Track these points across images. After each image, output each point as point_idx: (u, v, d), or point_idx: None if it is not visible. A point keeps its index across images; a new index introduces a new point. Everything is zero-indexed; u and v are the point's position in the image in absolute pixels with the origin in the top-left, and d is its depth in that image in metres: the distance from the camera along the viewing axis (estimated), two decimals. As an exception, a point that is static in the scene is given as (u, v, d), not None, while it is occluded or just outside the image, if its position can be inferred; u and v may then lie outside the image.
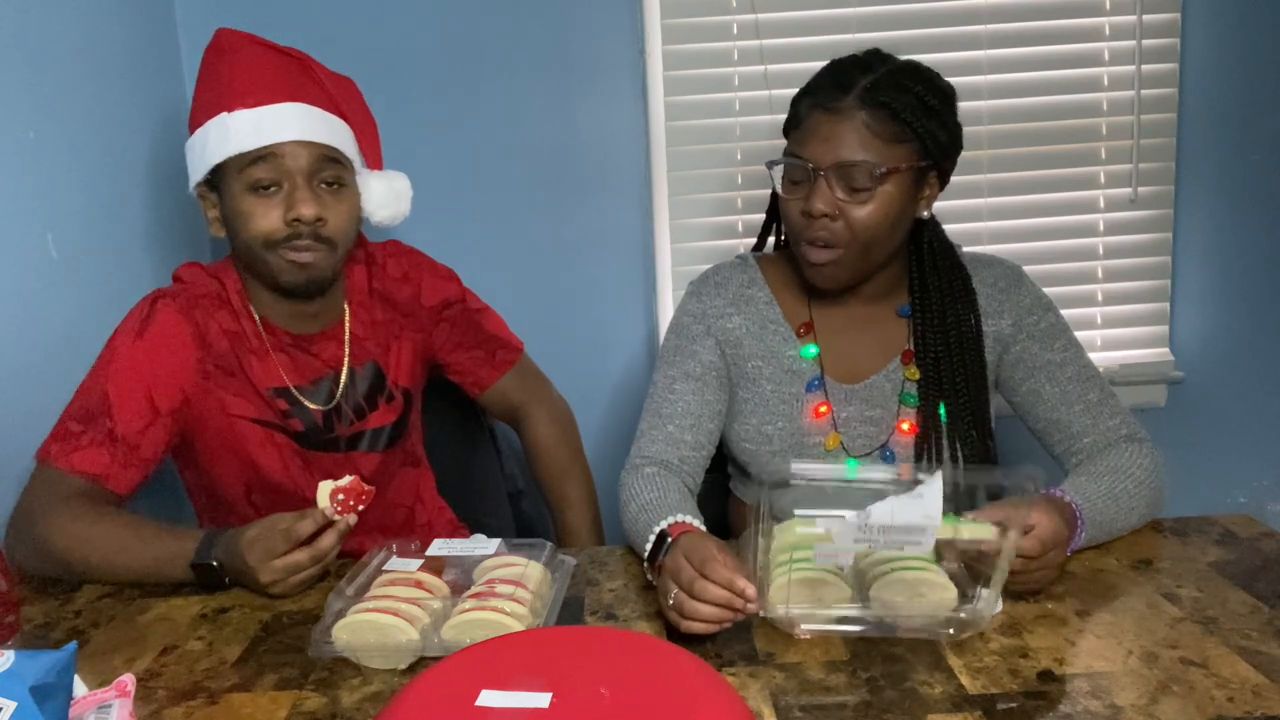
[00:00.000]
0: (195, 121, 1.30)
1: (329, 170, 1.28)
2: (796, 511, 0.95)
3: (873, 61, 1.22)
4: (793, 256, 1.31)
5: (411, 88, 1.83)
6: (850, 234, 1.21)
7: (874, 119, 1.18)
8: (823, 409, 1.31)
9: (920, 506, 0.89)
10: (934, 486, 0.90)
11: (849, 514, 0.91)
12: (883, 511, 0.90)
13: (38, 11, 1.37)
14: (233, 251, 1.34)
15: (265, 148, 1.24)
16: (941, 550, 1.02)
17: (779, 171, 1.26)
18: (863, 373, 1.32)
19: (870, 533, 0.91)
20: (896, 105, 1.18)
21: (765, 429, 1.32)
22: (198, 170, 1.29)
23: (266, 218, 1.25)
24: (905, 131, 1.19)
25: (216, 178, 1.28)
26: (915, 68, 1.23)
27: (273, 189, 1.25)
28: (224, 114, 1.26)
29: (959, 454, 1.27)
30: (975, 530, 0.94)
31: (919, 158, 1.21)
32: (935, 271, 1.29)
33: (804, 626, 0.97)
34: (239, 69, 1.28)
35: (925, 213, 1.26)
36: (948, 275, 1.29)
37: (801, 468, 0.95)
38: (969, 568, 0.98)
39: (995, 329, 1.31)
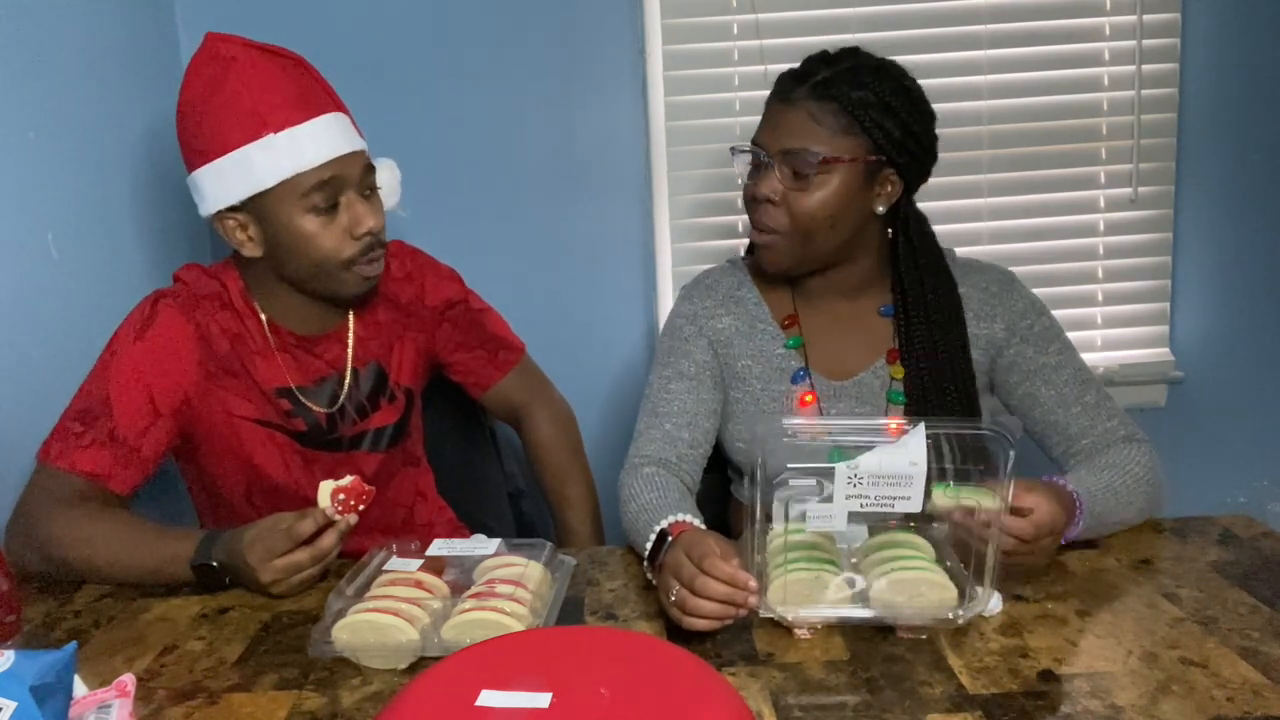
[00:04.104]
0: (221, 142, 1.21)
1: (370, 176, 1.28)
2: (789, 465, 0.97)
3: (842, 57, 1.24)
4: None
5: (412, 88, 1.83)
6: (791, 221, 1.23)
7: (820, 109, 1.20)
8: (809, 398, 1.31)
9: (906, 454, 0.94)
10: (917, 435, 0.95)
11: (839, 465, 0.94)
12: (871, 461, 0.94)
13: (37, 12, 1.37)
14: (267, 266, 1.27)
15: (327, 165, 1.21)
16: (941, 550, 1.02)
17: (740, 160, 1.29)
18: (850, 370, 1.32)
19: (861, 485, 0.95)
20: (844, 99, 1.19)
21: None
22: (235, 194, 1.22)
23: (333, 238, 1.23)
24: (852, 124, 1.20)
25: (251, 198, 1.22)
26: (882, 66, 1.24)
27: (332, 207, 1.24)
28: (270, 134, 1.19)
29: (954, 449, 1.27)
30: (975, 496, 0.95)
31: (868, 152, 1.21)
32: (915, 270, 1.29)
33: (803, 614, 0.97)
34: (261, 82, 1.21)
35: (880, 208, 1.25)
36: (930, 274, 1.29)
37: (794, 423, 1.00)
38: (963, 545, 0.98)
39: (988, 333, 1.31)
